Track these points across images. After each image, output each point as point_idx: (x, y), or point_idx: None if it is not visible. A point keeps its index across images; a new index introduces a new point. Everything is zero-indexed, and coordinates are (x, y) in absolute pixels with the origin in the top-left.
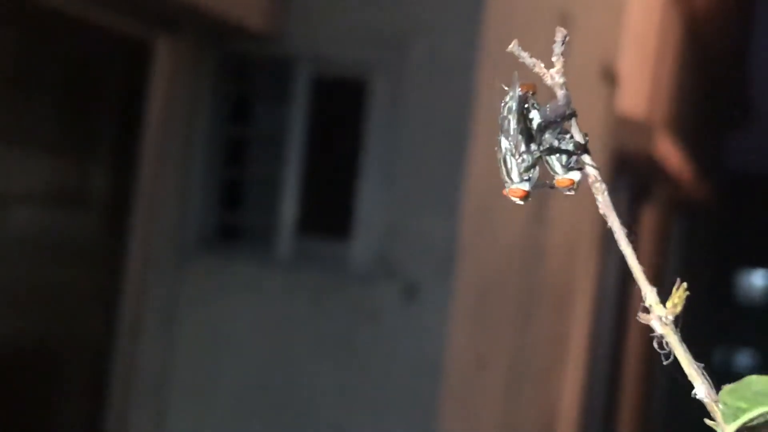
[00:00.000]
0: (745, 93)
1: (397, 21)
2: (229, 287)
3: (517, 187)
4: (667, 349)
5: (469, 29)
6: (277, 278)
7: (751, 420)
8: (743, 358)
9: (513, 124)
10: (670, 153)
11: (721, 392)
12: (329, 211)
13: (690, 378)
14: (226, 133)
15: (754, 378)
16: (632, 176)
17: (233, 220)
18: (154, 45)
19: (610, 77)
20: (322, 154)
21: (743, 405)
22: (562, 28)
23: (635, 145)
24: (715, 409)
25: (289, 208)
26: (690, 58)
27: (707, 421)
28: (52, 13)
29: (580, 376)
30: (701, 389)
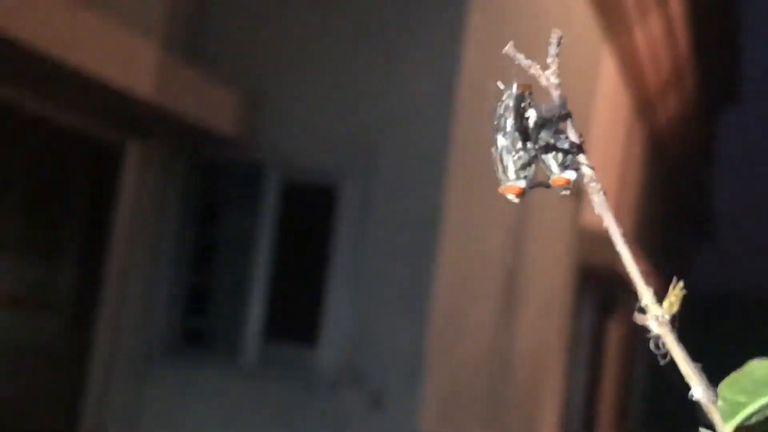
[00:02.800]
0: (709, 208)
1: (366, 127)
2: (194, 394)
3: (513, 184)
4: (664, 350)
5: (438, 135)
6: (243, 386)
7: (751, 416)
8: None
9: (510, 121)
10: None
11: (720, 385)
12: (296, 316)
13: (687, 378)
14: (193, 237)
15: (755, 363)
16: (598, 290)
17: (199, 325)
18: (124, 148)
19: (575, 190)
20: (290, 259)
21: (742, 399)
22: (558, 30)
23: (600, 258)
24: (713, 411)
25: (255, 314)
26: (655, 171)
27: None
28: (23, 114)
29: None
30: (698, 390)
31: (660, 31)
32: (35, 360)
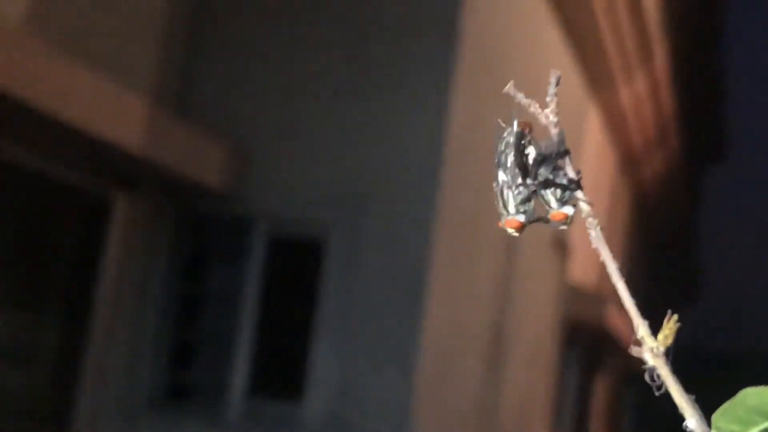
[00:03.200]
0: (693, 266)
1: (354, 181)
2: None
3: (513, 218)
4: (659, 381)
5: (425, 190)
6: None
7: None
8: None
9: (510, 158)
10: (621, 324)
11: (714, 415)
12: (282, 371)
13: (681, 409)
14: (180, 290)
15: (749, 391)
16: (584, 346)
17: (184, 379)
18: (112, 201)
19: (561, 247)
20: (277, 312)
21: (736, 428)
22: (557, 71)
23: (587, 315)
24: None
25: (241, 367)
26: (639, 228)
27: None
28: (12, 165)
29: None
30: (692, 421)
31: (645, 89)
32: (18, 413)
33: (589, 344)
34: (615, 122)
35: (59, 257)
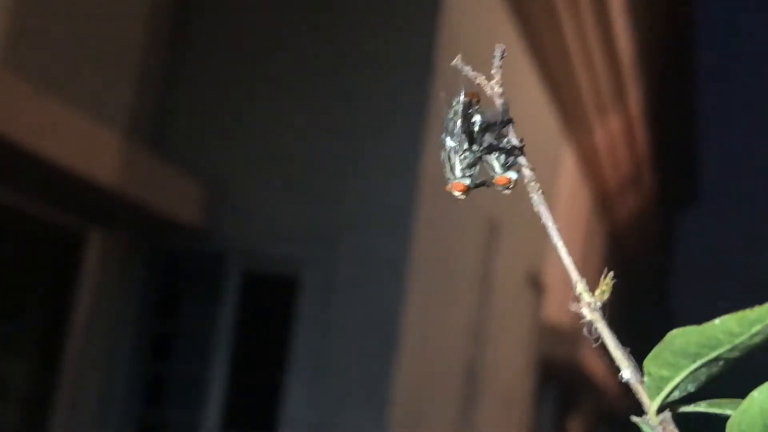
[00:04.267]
0: (667, 305)
1: (328, 218)
2: None
3: (458, 181)
4: (596, 335)
5: (399, 228)
6: None
7: (674, 389)
8: None
9: (458, 125)
10: (595, 363)
11: (645, 361)
12: (255, 408)
13: (617, 361)
14: (152, 327)
15: (676, 332)
16: (558, 385)
17: (157, 416)
18: (86, 236)
19: (536, 285)
20: (250, 349)
21: (666, 373)
22: (501, 44)
23: (561, 353)
24: (641, 391)
25: (214, 405)
26: (613, 268)
27: (633, 419)
28: None
29: None
30: (627, 371)
31: (619, 129)
32: None
33: (565, 383)
34: (589, 162)
35: (31, 292)
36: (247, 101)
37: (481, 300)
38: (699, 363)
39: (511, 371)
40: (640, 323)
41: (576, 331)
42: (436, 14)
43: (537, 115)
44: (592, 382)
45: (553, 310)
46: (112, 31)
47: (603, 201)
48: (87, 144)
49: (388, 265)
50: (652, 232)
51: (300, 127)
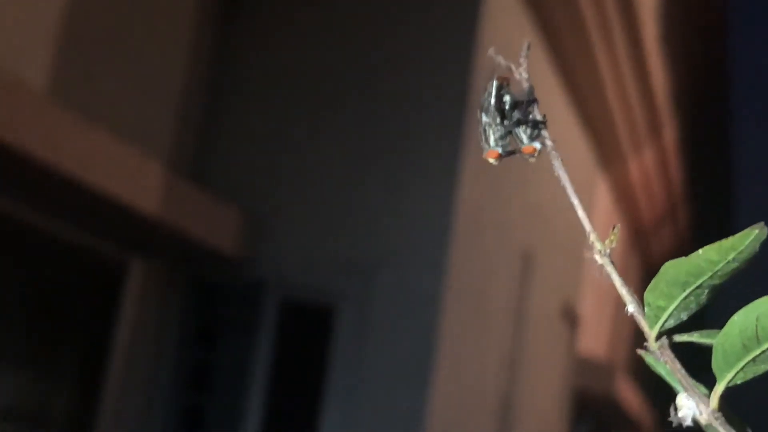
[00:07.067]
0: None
1: (365, 250)
2: None
3: (493, 149)
4: (605, 275)
5: (435, 261)
6: None
7: (669, 317)
8: None
9: (492, 103)
10: (630, 397)
11: (645, 293)
12: None
13: (623, 297)
14: (192, 357)
15: (669, 264)
16: (593, 417)
17: None
18: (126, 265)
19: (571, 318)
20: (287, 379)
21: (662, 303)
22: (528, 40)
23: (596, 387)
24: (642, 321)
25: None
26: None
27: (638, 351)
28: (26, 228)
29: None
30: (632, 306)
31: (654, 163)
32: None
33: (599, 415)
34: (624, 196)
35: (73, 321)
36: (286, 133)
37: (515, 332)
38: (687, 291)
39: (545, 404)
40: (679, 358)
41: (611, 363)
42: (473, 52)
43: (572, 150)
44: (627, 414)
45: (587, 342)
46: (155, 63)
47: (638, 236)
48: (130, 173)
49: (423, 297)
50: None
51: (337, 159)
